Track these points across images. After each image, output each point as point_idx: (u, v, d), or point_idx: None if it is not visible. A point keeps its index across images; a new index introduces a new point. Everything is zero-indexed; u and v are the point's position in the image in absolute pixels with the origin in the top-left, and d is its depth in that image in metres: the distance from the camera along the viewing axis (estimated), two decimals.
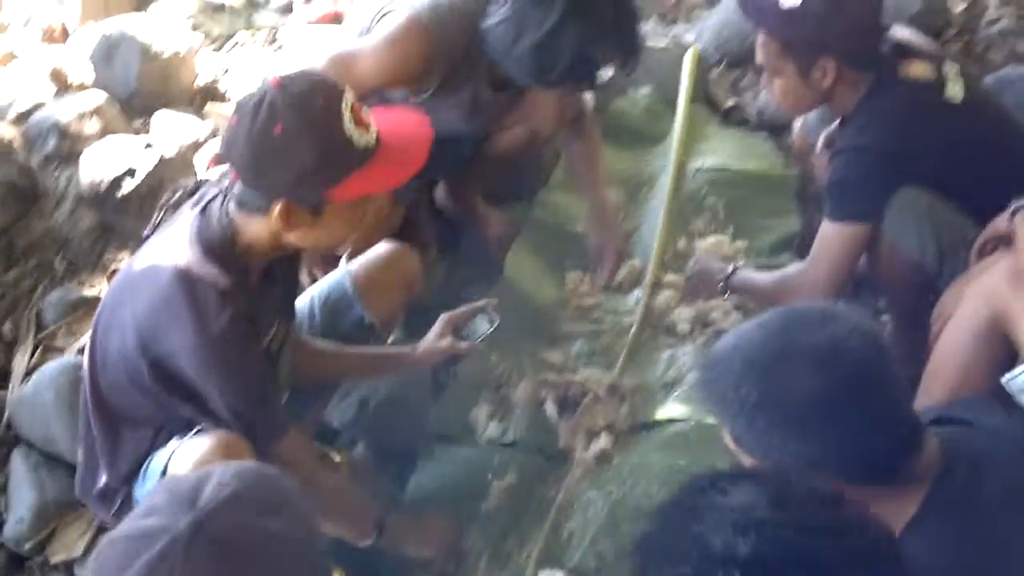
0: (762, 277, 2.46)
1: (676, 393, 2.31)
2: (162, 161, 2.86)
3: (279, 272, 1.83)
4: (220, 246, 1.68)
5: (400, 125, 1.74)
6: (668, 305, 2.58)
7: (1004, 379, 1.79)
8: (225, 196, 1.73)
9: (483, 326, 2.09)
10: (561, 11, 2.10)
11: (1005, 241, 1.91)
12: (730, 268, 2.52)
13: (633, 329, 2.51)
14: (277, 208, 1.63)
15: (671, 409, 2.25)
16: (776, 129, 3.18)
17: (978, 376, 1.84)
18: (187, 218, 1.74)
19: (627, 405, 2.28)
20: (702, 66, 3.40)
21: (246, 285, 1.70)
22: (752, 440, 1.32)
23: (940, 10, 3.77)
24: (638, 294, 2.63)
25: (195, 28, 3.80)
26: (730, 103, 3.35)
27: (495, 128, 2.58)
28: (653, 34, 3.57)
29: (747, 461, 1.37)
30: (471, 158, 2.72)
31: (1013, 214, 1.90)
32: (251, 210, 1.67)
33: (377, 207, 1.79)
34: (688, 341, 2.49)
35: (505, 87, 2.40)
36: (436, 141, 2.61)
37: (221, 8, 3.95)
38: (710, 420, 2.13)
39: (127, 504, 1.84)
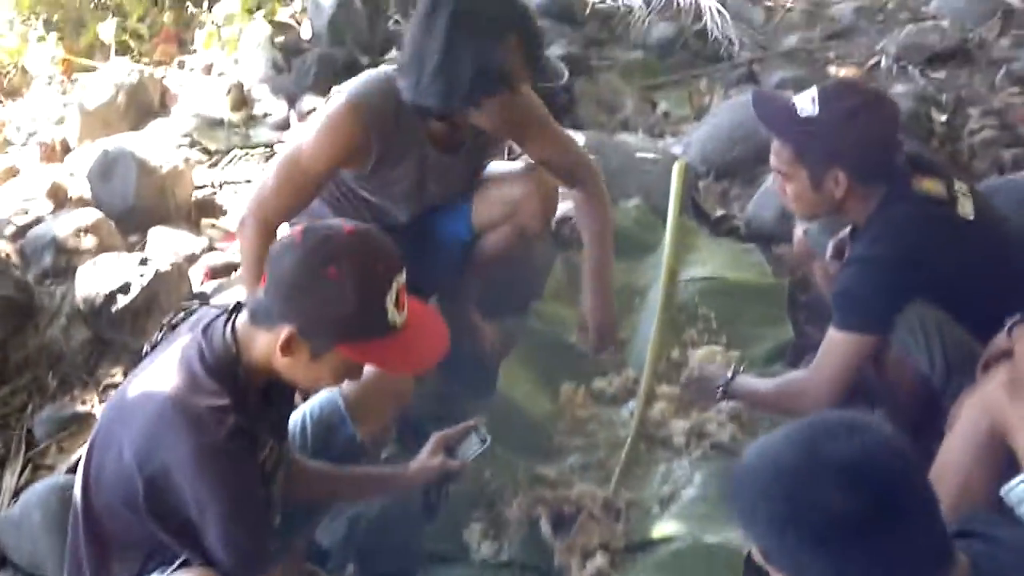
0: (763, 383, 2.46)
1: (672, 509, 2.27)
2: (156, 276, 2.88)
3: (276, 393, 1.83)
4: (222, 363, 1.70)
5: (425, 327, 1.80)
6: (663, 417, 2.57)
7: (1003, 490, 1.78)
8: (229, 316, 1.76)
9: (474, 445, 2.09)
10: (447, 31, 2.17)
11: (1008, 356, 1.93)
12: (730, 373, 2.51)
13: (628, 442, 2.49)
14: (284, 332, 1.66)
15: (667, 527, 2.21)
16: (765, 239, 3.22)
17: (979, 485, 1.83)
18: (184, 341, 1.75)
19: (623, 522, 2.25)
20: (690, 178, 3.47)
21: (245, 404, 1.71)
22: (782, 557, 1.29)
23: (923, 121, 3.87)
24: (632, 406, 2.62)
25: (192, 144, 3.89)
26: (719, 214, 3.40)
27: (457, 190, 2.57)
28: (641, 147, 3.65)
29: None
30: (463, 267, 2.74)
31: (1010, 330, 1.92)
32: (260, 322, 1.70)
33: (362, 375, 1.82)
34: (684, 454, 2.46)
35: (454, 147, 2.45)
36: (424, 244, 2.67)
37: (219, 124, 4.05)
38: (708, 538, 2.10)
39: None
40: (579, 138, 3.50)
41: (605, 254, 2.72)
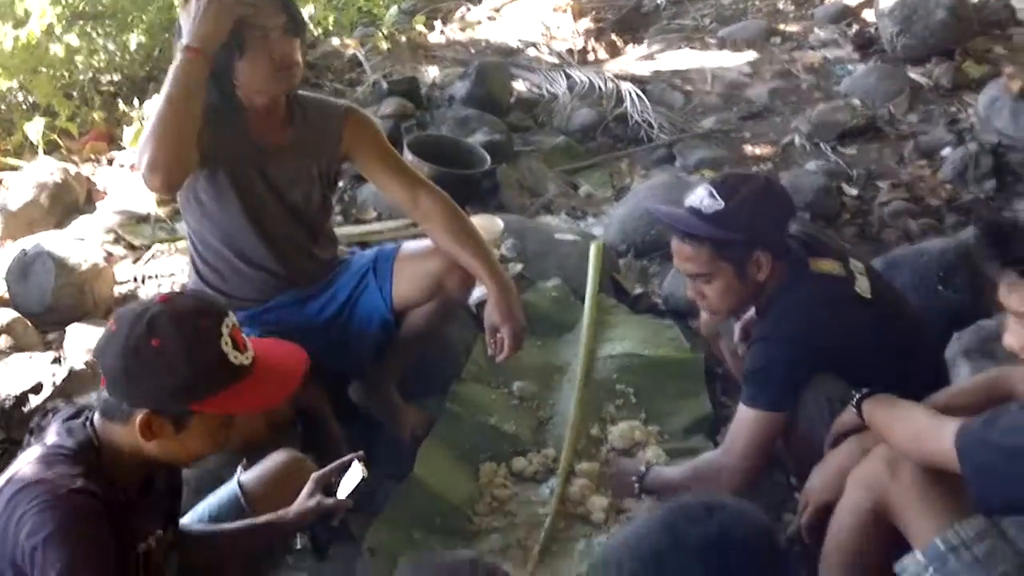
0: (676, 471, 2.46)
1: None
2: (70, 375, 2.84)
3: (162, 481, 1.80)
4: (83, 454, 1.65)
5: (277, 353, 1.79)
6: (582, 494, 2.57)
7: (897, 568, 1.80)
8: (91, 410, 1.73)
9: (353, 479, 2.03)
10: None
11: (856, 432, 1.99)
12: (643, 468, 2.52)
13: (548, 520, 2.49)
14: (138, 417, 1.63)
15: None
16: (682, 314, 3.28)
17: (869, 566, 1.85)
18: (44, 440, 1.69)
19: None
20: (609, 257, 3.53)
21: (112, 494, 1.64)
22: None
23: (835, 195, 3.99)
24: (552, 484, 2.62)
25: (117, 240, 3.88)
26: (638, 291, 3.46)
27: (304, 194, 2.58)
28: (561, 229, 3.72)
29: None
30: (385, 347, 2.75)
31: (857, 406, 1.98)
32: (113, 418, 1.67)
33: (245, 429, 1.80)
34: (603, 530, 2.46)
35: (280, 142, 2.49)
36: (344, 329, 2.66)
37: (145, 219, 4.05)
38: None
39: None
40: (501, 221, 3.58)
41: (477, 238, 2.61)
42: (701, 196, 2.25)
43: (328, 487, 2.04)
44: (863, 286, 2.27)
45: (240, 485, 2.09)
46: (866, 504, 1.84)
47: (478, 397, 2.92)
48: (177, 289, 1.77)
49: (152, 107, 2.34)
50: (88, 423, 1.69)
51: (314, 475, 2.04)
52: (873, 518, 1.83)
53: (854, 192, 4.05)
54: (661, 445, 2.75)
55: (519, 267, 3.39)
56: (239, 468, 2.18)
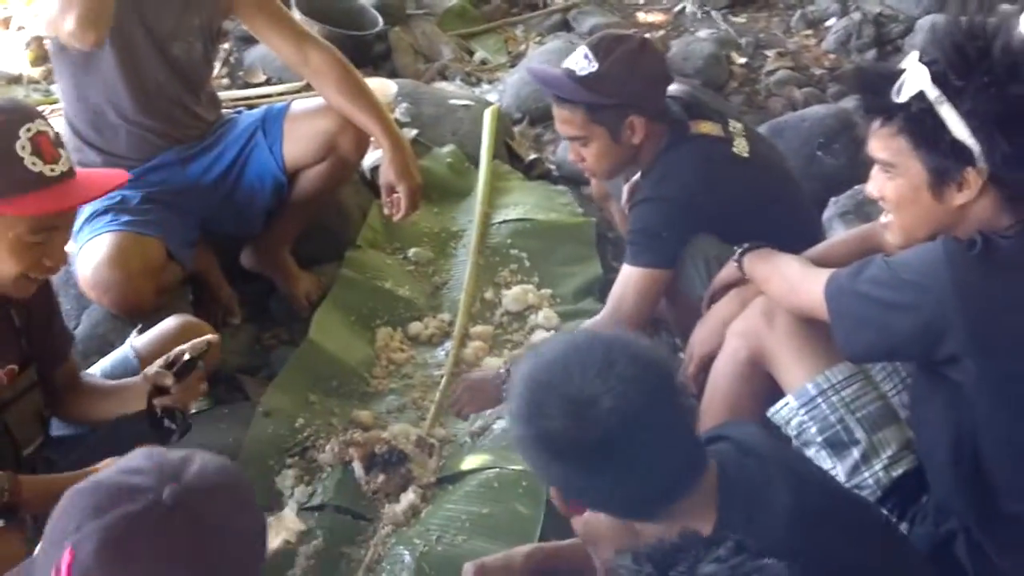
0: None
1: (482, 442, 2.35)
2: None
3: (20, 317, 1.76)
4: None
5: (96, 174, 1.82)
6: (476, 356, 2.64)
7: (769, 412, 1.93)
8: None
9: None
10: None
11: (735, 286, 2.09)
12: (503, 370, 2.42)
13: (443, 381, 2.55)
14: None
15: (477, 459, 2.29)
16: (574, 180, 3.33)
17: (746, 411, 1.96)
18: None
19: (436, 458, 2.31)
20: (504, 123, 3.53)
21: None
22: (545, 472, 1.36)
23: (724, 63, 4.05)
24: (448, 346, 2.68)
25: None
26: (531, 157, 3.48)
27: (184, 31, 2.50)
28: (456, 95, 3.69)
29: (553, 492, 1.41)
30: (278, 210, 2.72)
31: (738, 260, 2.07)
32: None
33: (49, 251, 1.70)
34: None
35: None
36: (235, 191, 2.61)
37: (17, 79, 3.84)
38: (512, 466, 2.19)
39: None
40: (394, 84, 3.53)
41: (370, 95, 2.59)
42: (577, 57, 2.27)
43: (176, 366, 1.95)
44: (741, 146, 2.34)
45: (134, 350, 2.07)
46: (743, 353, 1.94)
47: (374, 262, 2.93)
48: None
49: None
50: None
51: (172, 354, 1.95)
52: (750, 366, 1.94)
53: (742, 61, 4.12)
54: (553, 308, 2.82)
55: (414, 132, 3.36)
56: (133, 333, 2.16)
